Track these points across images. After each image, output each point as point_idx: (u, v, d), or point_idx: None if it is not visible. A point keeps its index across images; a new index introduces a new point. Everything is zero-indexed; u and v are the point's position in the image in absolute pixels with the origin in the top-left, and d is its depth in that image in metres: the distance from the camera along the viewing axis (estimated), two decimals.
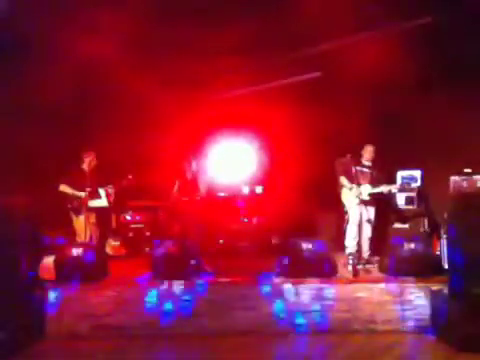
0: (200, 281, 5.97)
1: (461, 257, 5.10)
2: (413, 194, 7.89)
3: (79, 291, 5.69)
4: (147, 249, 8.11)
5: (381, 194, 7.11)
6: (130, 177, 7.36)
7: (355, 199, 6.92)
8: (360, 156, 7.18)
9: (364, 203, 6.98)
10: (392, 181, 7.44)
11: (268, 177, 9.07)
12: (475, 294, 4.94)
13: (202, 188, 7.36)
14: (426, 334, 5.26)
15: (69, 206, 7.19)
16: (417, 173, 7.99)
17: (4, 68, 6.97)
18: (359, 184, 6.91)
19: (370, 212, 7.05)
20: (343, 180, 7.04)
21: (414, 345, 5.12)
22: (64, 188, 7.17)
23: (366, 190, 6.97)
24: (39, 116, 7.45)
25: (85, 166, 7.28)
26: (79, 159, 7.35)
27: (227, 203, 8.97)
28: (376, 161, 7.17)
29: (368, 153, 7.13)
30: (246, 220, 8.73)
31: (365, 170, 7.11)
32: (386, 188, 7.08)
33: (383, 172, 7.19)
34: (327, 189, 7.45)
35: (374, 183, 7.04)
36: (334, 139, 7.95)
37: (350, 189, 6.95)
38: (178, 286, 5.75)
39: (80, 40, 7.02)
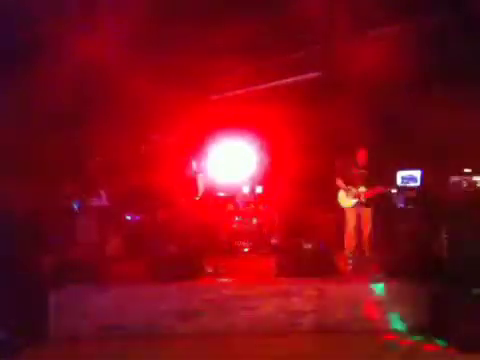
0: (200, 281, 5.97)
1: (461, 257, 5.11)
2: (413, 194, 7.90)
3: (79, 291, 5.69)
4: (147, 249, 8.10)
5: (379, 194, 7.12)
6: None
7: (352, 200, 6.91)
8: (356, 158, 7.15)
9: (362, 204, 6.97)
10: (390, 182, 7.42)
11: (268, 177, 9.08)
12: (475, 294, 4.95)
13: (200, 188, 7.35)
14: (426, 334, 5.26)
15: (69, 206, 7.19)
16: (417, 173, 7.99)
17: (4, 68, 6.97)
18: (356, 186, 6.90)
19: (368, 213, 7.02)
20: (340, 182, 7.03)
21: (414, 345, 5.12)
22: (68, 188, 7.16)
23: (363, 191, 6.96)
24: (39, 116, 7.45)
25: (91, 166, 7.24)
26: (83, 158, 7.33)
27: (227, 203, 8.98)
28: (372, 162, 7.15)
29: (361, 156, 7.06)
30: (246, 220, 8.72)
31: (362, 171, 7.09)
32: (383, 189, 7.07)
33: (380, 173, 7.17)
34: (327, 189, 7.44)
35: (370, 184, 7.03)
36: (334, 139, 7.96)
37: (347, 191, 6.95)
38: (178, 286, 5.76)
39: (80, 40, 7.03)
